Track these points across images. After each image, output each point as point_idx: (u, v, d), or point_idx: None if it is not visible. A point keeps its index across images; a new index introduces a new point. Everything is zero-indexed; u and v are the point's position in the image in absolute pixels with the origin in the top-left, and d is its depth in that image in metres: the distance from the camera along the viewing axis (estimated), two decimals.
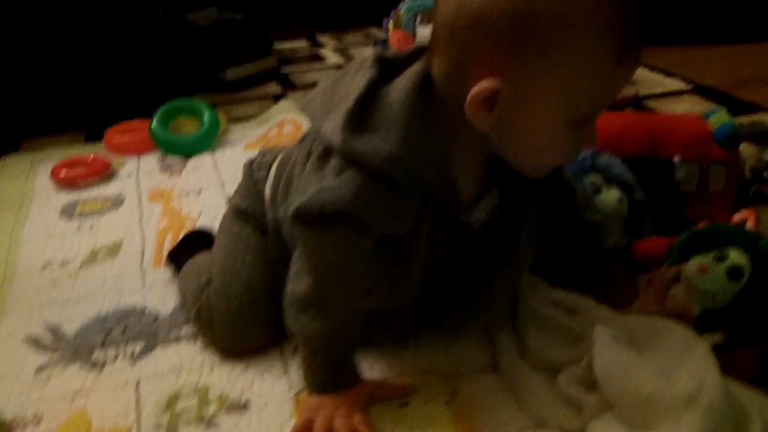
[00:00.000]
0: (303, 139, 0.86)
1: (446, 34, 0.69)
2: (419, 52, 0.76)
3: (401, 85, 0.72)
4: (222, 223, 0.98)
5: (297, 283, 0.77)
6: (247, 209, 0.93)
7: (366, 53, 2.46)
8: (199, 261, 1.00)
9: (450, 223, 0.77)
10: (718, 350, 0.75)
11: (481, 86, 0.67)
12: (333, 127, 0.71)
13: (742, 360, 0.80)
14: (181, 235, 1.16)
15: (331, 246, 0.74)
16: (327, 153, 0.74)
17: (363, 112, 0.71)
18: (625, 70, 0.69)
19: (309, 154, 0.79)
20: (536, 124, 0.70)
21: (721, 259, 0.85)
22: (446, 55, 0.70)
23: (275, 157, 0.93)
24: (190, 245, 1.08)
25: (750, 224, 0.93)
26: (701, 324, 0.83)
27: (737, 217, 0.96)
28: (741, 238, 0.86)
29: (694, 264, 0.86)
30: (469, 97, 0.68)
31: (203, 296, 0.92)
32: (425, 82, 0.73)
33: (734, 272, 0.83)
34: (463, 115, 0.70)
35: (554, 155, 0.75)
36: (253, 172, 0.94)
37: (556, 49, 0.65)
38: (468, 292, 0.87)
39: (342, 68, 0.80)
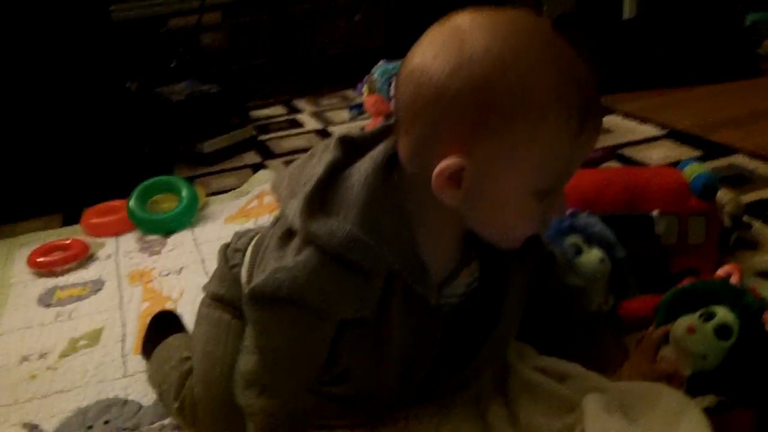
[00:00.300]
0: (276, 221, 0.85)
1: (408, 114, 0.69)
2: (385, 132, 0.76)
3: (363, 167, 0.72)
4: (200, 310, 0.96)
5: (244, 359, 0.77)
6: (225, 295, 0.92)
7: (343, 116, 2.47)
8: (174, 347, 0.99)
9: (420, 305, 0.76)
10: (711, 413, 0.73)
11: (446, 163, 0.66)
12: (294, 210, 0.71)
13: (736, 422, 0.78)
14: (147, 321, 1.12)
15: (282, 329, 0.73)
16: (290, 234, 0.73)
17: (324, 195, 0.71)
18: (586, 138, 0.69)
19: None
20: (503, 198, 0.70)
21: (709, 317, 0.84)
22: (410, 134, 0.70)
23: (250, 240, 0.92)
24: (158, 331, 1.06)
25: (734, 279, 0.92)
26: (693, 385, 0.82)
27: (721, 272, 0.96)
28: (726, 294, 0.86)
29: (681, 324, 0.84)
30: (434, 174, 0.67)
31: (185, 386, 0.90)
32: (391, 161, 0.72)
33: (722, 331, 0.82)
34: (431, 193, 0.69)
35: (523, 226, 0.74)
36: (228, 257, 0.93)
37: (515, 126, 0.65)
38: (455, 365, 0.85)
39: (311, 149, 0.80)
